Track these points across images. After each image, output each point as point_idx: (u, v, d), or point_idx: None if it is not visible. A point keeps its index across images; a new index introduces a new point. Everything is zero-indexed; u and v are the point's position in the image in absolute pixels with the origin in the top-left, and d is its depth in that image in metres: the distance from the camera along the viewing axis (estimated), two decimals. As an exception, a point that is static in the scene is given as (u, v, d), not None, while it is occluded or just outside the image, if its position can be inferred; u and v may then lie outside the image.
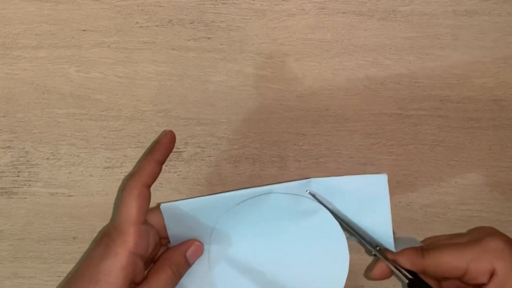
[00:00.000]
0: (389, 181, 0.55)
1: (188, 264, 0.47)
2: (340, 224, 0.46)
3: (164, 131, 0.50)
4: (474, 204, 0.55)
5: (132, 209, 0.43)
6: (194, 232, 0.47)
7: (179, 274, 0.45)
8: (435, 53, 0.53)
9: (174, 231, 0.47)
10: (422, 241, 0.51)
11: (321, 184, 0.46)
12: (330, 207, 0.47)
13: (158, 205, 0.46)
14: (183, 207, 0.46)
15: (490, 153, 0.55)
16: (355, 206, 0.47)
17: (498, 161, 0.55)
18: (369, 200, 0.46)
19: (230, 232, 0.48)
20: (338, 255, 0.47)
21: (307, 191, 0.47)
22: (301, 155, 0.55)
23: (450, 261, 0.44)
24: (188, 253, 0.47)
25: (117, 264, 0.42)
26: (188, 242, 0.47)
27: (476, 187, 0.55)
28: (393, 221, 0.55)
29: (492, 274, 0.43)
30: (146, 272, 0.45)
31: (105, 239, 0.43)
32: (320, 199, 0.47)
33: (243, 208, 0.47)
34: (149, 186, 0.45)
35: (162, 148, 0.47)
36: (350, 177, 0.46)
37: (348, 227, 0.47)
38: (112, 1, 0.53)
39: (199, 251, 0.47)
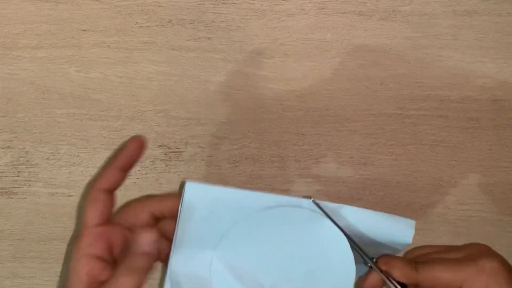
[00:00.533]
0: (389, 181, 0.55)
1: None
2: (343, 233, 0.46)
3: (134, 136, 0.47)
4: (474, 204, 0.55)
5: (86, 213, 0.44)
6: (203, 231, 0.46)
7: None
8: (435, 53, 0.53)
9: (185, 218, 0.45)
10: (412, 250, 0.51)
11: (352, 212, 0.46)
12: (335, 220, 0.46)
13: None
14: (207, 194, 0.45)
15: (490, 153, 0.55)
16: (374, 241, 0.47)
17: (498, 161, 0.55)
18: (390, 240, 0.46)
19: (241, 239, 0.47)
20: (343, 282, 0.46)
21: (311, 199, 0.46)
22: (301, 155, 0.55)
23: (444, 277, 0.44)
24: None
25: (74, 265, 0.43)
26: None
27: (476, 187, 0.55)
28: (393, 221, 0.55)
29: None
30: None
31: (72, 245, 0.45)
32: (324, 209, 0.46)
33: (261, 218, 0.46)
34: (106, 190, 0.44)
35: (126, 155, 0.46)
36: (381, 214, 0.46)
37: (349, 239, 0.46)
38: (112, 1, 0.53)
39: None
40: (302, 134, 0.54)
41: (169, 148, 0.55)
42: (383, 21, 0.53)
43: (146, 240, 0.45)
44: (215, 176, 0.55)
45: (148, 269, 0.43)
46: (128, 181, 0.55)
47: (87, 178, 0.55)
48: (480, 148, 0.55)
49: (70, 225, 0.56)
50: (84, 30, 0.53)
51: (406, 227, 0.46)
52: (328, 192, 0.55)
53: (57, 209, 0.55)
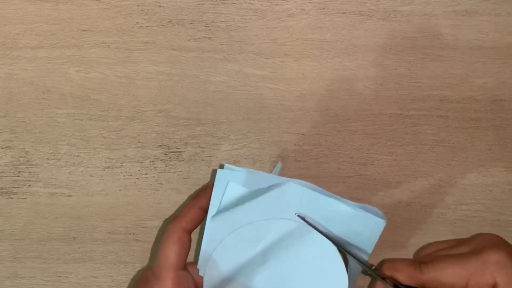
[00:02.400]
0: (389, 181, 0.55)
1: None
2: (335, 245, 0.45)
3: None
4: (474, 204, 0.55)
5: (171, 254, 0.42)
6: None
7: None
8: (435, 53, 0.53)
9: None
10: (421, 249, 0.49)
11: (327, 204, 0.45)
12: (320, 228, 0.45)
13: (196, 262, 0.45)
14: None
15: (490, 153, 0.55)
16: (341, 234, 0.45)
17: (498, 161, 0.55)
18: (358, 235, 0.45)
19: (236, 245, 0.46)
20: (336, 282, 0.45)
21: (295, 213, 0.45)
22: (301, 155, 0.55)
23: (449, 275, 0.42)
24: None
25: None
26: None
27: (476, 187, 0.55)
28: (393, 221, 0.55)
29: None
30: None
31: (142, 285, 0.42)
32: (310, 221, 0.45)
33: (261, 226, 0.45)
34: (189, 231, 0.44)
35: (209, 194, 0.45)
36: (353, 210, 0.45)
37: (343, 249, 0.45)
38: (112, 1, 0.53)
39: None
40: (302, 134, 0.54)
41: (169, 148, 0.55)
42: (383, 21, 0.53)
43: None
44: (215, 176, 0.55)
45: None
46: (127, 181, 0.55)
47: (87, 178, 0.55)
48: (480, 148, 0.55)
49: (70, 225, 0.56)
50: (84, 30, 0.53)
51: (375, 225, 0.45)
52: (328, 192, 0.55)
53: (57, 209, 0.55)
